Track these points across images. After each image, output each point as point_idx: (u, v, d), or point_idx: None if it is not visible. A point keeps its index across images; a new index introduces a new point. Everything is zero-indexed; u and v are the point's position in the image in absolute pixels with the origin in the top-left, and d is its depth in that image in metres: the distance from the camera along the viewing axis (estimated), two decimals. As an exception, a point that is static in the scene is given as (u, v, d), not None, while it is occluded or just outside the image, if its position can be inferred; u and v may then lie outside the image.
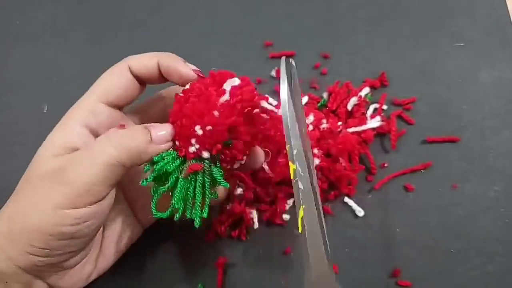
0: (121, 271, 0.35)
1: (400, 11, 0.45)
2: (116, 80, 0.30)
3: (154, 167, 0.29)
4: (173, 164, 0.29)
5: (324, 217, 0.27)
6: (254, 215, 0.37)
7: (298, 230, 0.26)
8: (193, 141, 0.28)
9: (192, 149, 0.28)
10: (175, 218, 0.29)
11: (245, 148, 0.29)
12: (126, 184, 0.33)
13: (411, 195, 0.39)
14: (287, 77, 0.28)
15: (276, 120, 0.36)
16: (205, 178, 0.29)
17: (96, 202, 0.27)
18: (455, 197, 0.38)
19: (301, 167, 0.26)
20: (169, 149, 0.29)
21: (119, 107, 0.31)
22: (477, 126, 0.40)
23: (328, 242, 0.27)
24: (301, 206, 0.26)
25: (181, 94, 0.29)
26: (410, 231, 0.38)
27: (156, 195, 0.29)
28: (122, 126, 0.28)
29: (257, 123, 0.29)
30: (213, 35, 0.45)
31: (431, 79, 0.42)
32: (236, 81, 0.28)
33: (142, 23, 0.45)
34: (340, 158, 0.37)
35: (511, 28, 0.43)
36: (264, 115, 0.39)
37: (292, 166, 0.26)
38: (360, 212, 0.38)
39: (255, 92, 0.28)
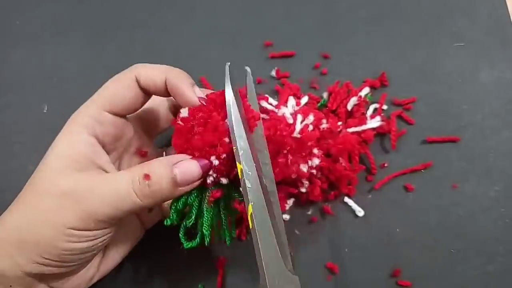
0: (121, 271, 0.35)
1: (400, 11, 0.45)
2: (122, 91, 0.30)
3: (173, 206, 0.29)
4: (193, 196, 0.29)
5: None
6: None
7: (249, 226, 0.27)
8: (211, 171, 0.29)
9: (210, 179, 0.29)
10: (206, 244, 0.30)
11: None
12: None
13: (411, 195, 0.39)
14: (231, 82, 0.29)
15: (276, 120, 0.36)
16: (226, 200, 0.30)
17: (111, 227, 0.28)
18: (455, 197, 0.38)
19: (248, 166, 0.27)
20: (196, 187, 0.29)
21: (123, 116, 0.31)
22: (477, 126, 0.40)
23: (286, 240, 0.29)
24: (250, 204, 0.27)
25: (181, 123, 0.29)
26: (410, 231, 0.38)
27: (183, 229, 0.30)
28: (144, 154, 0.28)
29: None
30: (213, 35, 0.45)
31: (431, 79, 0.42)
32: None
33: (142, 23, 0.45)
34: (340, 158, 0.37)
35: (511, 28, 0.43)
36: (264, 115, 0.39)
37: (239, 166, 0.27)
38: (360, 212, 0.38)
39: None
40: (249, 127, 0.29)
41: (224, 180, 0.29)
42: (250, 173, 0.27)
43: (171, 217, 0.29)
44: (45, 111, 0.42)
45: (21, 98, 0.43)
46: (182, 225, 0.30)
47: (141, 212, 0.34)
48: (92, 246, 0.28)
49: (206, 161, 0.28)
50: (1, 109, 0.42)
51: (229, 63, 0.29)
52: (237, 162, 0.28)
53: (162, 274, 0.37)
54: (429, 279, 0.36)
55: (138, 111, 0.33)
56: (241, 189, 0.28)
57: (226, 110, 0.29)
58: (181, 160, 0.28)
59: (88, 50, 0.44)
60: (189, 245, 0.30)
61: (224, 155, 0.28)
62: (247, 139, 0.28)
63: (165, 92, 0.30)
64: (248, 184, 0.27)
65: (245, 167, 0.27)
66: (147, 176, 0.27)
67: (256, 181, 0.27)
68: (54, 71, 0.43)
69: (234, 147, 0.28)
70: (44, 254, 0.26)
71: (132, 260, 0.35)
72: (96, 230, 0.27)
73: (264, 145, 0.31)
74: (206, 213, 0.29)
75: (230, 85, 0.28)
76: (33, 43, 0.45)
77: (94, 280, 0.32)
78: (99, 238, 0.28)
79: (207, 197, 0.29)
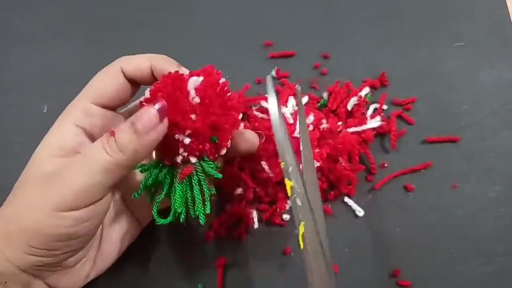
0: (120, 271, 0.35)
1: (400, 11, 0.45)
2: (108, 83, 0.30)
3: (143, 182, 0.29)
4: (163, 173, 0.29)
5: (325, 221, 0.28)
6: (254, 215, 0.37)
7: (300, 246, 0.26)
8: (180, 150, 0.28)
9: (179, 159, 0.28)
10: (181, 221, 0.29)
11: (228, 135, 0.29)
12: (122, 183, 0.33)
13: (411, 195, 0.39)
14: (276, 93, 0.28)
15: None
16: (199, 176, 0.29)
17: (94, 203, 0.27)
18: (455, 197, 0.38)
19: (297, 183, 0.26)
20: (161, 136, 0.28)
21: (112, 108, 0.31)
22: (477, 126, 0.40)
23: (332, 258, 0.28)
24: (301, 223, 0.26)
25: (145, 104, 0.28)
26: (410, 231, 0.38)
27: (155, 204, 0.30)
28: (112, 133, 0.27)
29: (229, 104, 0.29)
30: (213, 35, 0.45)
31: (431, 79, 0.42)
32: (198, 80, 0.28)
33: (142, 23, 0.45)
34: (340, 158, 0.37)
35: (511, 28, 0.43)
36: (264, 115, 0.39)
37: (288, 183, 0.26)
38: (360, 212, 0.38)
39: (219, 78, 0.29)
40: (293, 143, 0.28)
41: (193, 159, 0.28)
42: (299, 190, 0.26)
43: (138, 192, 0.29)
44: (45, 111, 0.42)
45: (21, 98, 0.43)
46: (154, 202, 0.30)
47: (135, 210, 0.34)
48: (79, 231, 0.27)
49: (162, 103, 0.27)
50: (1, 109, 0.42)
51: (271, 74, 0.29)
52: (285, 179, 0.27)
53: (162, 274, 0.37)
54: (429, 279, 0.36)
55: (130, 106, 0.33)
56: (291, 206, 0.27)
57: (188, 90, 0.27)
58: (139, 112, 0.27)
59: (88, 50, 0.44)
60: (162, 221, 0.29)
61: (189, 131, 0.27)
62: (294, 155, 0.27)
63: (153, 80, 0.31)
64: (298, 203, 0.26)
65: (295, 184, 0.26)
66: (111, 132, 0.27)
67: (305, 199, 0.26)
68: (54, 71, 0.44)
69: (282, 163, 0.27)
70: (30, 241, 0.26)
71: (131, 260, 0.35)
72: (78, 209, 0.26)
73: (309, 158, 0.30)
74: (178, 190, 0.29)
75: (274, 97, 0.27)
76: (33, 43, 0.45)
77: (91, 277, 0.32)
78: (83, 223, 0.27)
79: (178, 174, 0.29)
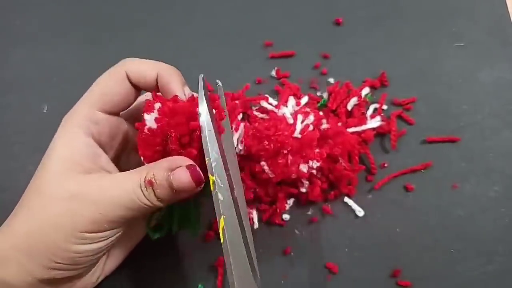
0: (121, 271, 0.35)
1: (400, 11, 0.45)
2: (113, 88, 0.30)
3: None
4: None
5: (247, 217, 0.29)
6: (254, 215, 0.37)
7: (220, 240, 0.27)
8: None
9: None
10: (172, 233, 0.32)
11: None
12: None
13: (411, 195, 0.39)
14: (205, 95, 0.28)
15: (276, 120, 0.36)
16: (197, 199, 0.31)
17: (121, 227, 0.29)
18: (455, 197, 0.38)
19: (220, 178, 0.27)
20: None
21: (116, 113, 0.31)
22: (477, 126, 0.40)
23: (255, 253, 0.29)
24: (222, 217, 0.26)
25: (147, 133, 0.29)
26: (410, 231, 0.38)
27: (149, 222, 0.32)
28: (150, 183, 0.27)
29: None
30: (213, 35, 0.45)
31: (431, 79, 0.42)
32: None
33: (142, 23, 0.45)
34: (340, 158, 0.37)
35: (511, 28, 0.43)
36: (264, 115, 0.39)
37: (211, 178, 0.27)
38: (360, 212, 0.38)
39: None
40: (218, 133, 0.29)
41: None
42: (222, 185, 0.27)
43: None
44: (45, 111, 0.42)
45: (21, 98, 0.43)
46: (150, 219, 0.32)
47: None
48: (104, 246, 0.28)
49: (198, 174, 0.28)
50: (1, 109, 0.42)
51: (203, 75, 0.29)
52: (209, 174, 0.27)
53: (162, 274, 0.37)
54: (429, 279, 0.36)
55: (132, 111, 0.33)
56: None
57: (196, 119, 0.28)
58: (179, 166, 0.28)
59: (88, 50, 0.44)
60: (156, 236, 0.32)
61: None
62: (220, 151, 0.28)
63: (155, 88, 0.30)
64: (220, 197, 0.27)
65: (217, 179, 0.27)
66: (150, 183, 0.27)
67: (228, 194, 0.27)
68: (54, 71, 0.43)
69: (206, 159, 0.27)
70: (56, 258, 0.26)
71: (132, 260, 0.35)
72: (108, 231, 0.27)
73: (234, 157, 0.31)
74: (176, 212, 0.31)
75: (204, 99, 0.28)
76: (33, 43, 0.45)
77: (100, 280, 0.32)
78: (110, 238, 0.28)
79: None
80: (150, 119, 0.28)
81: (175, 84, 0.29)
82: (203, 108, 0.28)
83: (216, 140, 0.28)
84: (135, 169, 0.28)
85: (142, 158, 0.29)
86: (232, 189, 0.28)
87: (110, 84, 0.30)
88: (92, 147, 0.29)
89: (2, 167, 0.40)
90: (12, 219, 0.28)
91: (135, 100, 0.32)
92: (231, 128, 0.32)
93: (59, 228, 0.26)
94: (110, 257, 0.33)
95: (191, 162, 0.28)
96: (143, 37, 0.45)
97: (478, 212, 0.38)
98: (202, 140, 0.28)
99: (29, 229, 0.27)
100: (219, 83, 0.32)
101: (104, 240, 0.28)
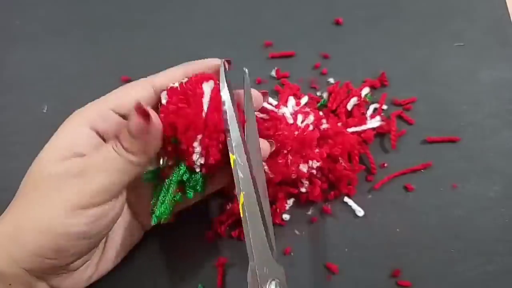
0: (121, 271, 0.35)
1: (400, 11, 0.45)
2: (135, 94, 0.30)
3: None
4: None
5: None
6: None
7: (240, 215, 0.28)
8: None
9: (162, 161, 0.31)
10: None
11: (190, 138, 0.29)
12: (128, 187, 0.33)
13: (411, 195, 0.39)
14: (226, 78, 0.30)
15: (276, 120, 0.36)
16: (170, 181, 0.31)
17: (110, 200, 0.28)
18: (455, 197, 0.38)
19: (240, 157, 0.28)
20: (156, 135, 0.29)
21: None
22: (477, 126, 0.40)
23: (272, 228, 0.30)
24: (241, 193, 0.28)
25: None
26: (410, 231, 0.38)
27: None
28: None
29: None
30: (213, 35, 0.45)
31: (431, 79, 0.42)
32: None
33: (142, 23, 0.45)
34: (340, 158, 0.37)
35: (511, 28, 0.43)
36: (264, 115, 0.39)
37: (232, 157, 0.28)
38: (360, 212, 0.38)
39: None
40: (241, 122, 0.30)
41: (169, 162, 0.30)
42: (242, 163, 0.28)
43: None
44: (45, 111, 0.42)
45: (20, 98, 0.43)
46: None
47: (139, 214, 0.34)
48: (91, 231, 0.27)
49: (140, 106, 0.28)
50: (1, 109, 0.42)
51: (223, 60, 0.30)
52: (230, 153, 0.29)
53: (162, 274, 0.37)
54: (429, 279, 0.36)
55: None
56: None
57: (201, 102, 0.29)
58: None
59: (88, 50, 0.44)
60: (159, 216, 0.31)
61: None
62: (240, 132, 0.29)
63: None
64: (240, 174, 0.28)
65: (237, 157, 0.28)
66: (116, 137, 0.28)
67: (247, 172, 0.28)
68: (54, 71, 0.43)
69: (228, 138, 0.29)
70: (42, 242, 0.26)
71: (131, 260, 0.35)
72: (93, 207, 0.27)
73: (255, 138, 0.32)
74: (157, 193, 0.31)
75: (225, 82, 0.30)
76: (33, 43, 0.45)
77: (93, 280, 0.32)
78: (98, 221, 0.27)
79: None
80: (163, 97, 0.30)
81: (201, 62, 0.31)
82: (224, 91, 0.29)
83: (236, 121, 0.29)
84: None
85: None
86: (251, 167, 0.29)
87: (131, 88, 0.30)
88: (93, 138, 0.29)
89: (2, 167, 0.40)
90: (6, 211, 0.28)
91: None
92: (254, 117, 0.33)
93: (46, 206, 0.26)
94: (104, 257, 0.32)
95: None
96: (143, 37, 0.45)
97: (478, 212, 0.38)
98: (224, 120, 0.29)
99: (16, 216, 0.27)
100: (246, 70, 0.33)
101: (93, 221, 0.27)
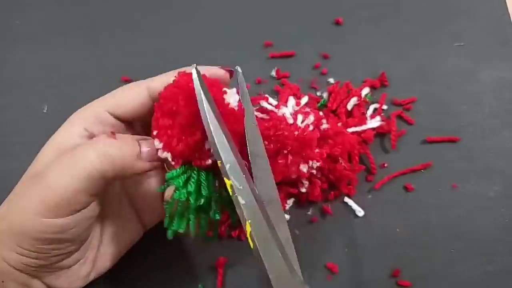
0: (121, 271, 0.35)
1: (400, 11, 0.45)
2: (130, 96, 0.30)
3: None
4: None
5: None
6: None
7: (251, 246, 0.24)
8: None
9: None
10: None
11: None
12: (130, 186, 0.33)
13: (411, 195, 0.39)
14: (203, 90, 0.26)
15: (276, 120, 0.36)
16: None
17: (78, 212, 0.26)
18: (455, 197, 0.38)
19: (238, 181, 0.25)
20: (153, 168, 0.28)
21: (127, 121, 0.31)
22: (477, 126, 0.40)
23: (294, 252, 0.27)
24: (247, 222, 0.24)
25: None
26: (410, 231, 0.38)
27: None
28: (112, 135, 0.27)
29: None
30: (213, 35, 0.45)
31: (431, 79, 0.42)
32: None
33: (142, 23, 0.45)
34: (340, 158, 0.37)
35: (511, 28, 0.43)
36: (264, 115, 0.39)
37: (228, 182, 0.25)
38: (360, 212, 0.38)
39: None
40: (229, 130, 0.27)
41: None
42: (241, 187, 0.25)
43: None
44: (45, 111, 0.42)
45: (20, 98, 0.43)
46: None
47: (141, 212, 0.34)
48: (65, 237, 0.27)
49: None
50: (1, 109, 0.42)
51: (195, 64, 0.27)
52: (224, 178, 0.25)
53: (162, 274, 0.37)
54: (429, 279, 0.36)
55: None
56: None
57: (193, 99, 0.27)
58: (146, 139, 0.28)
59: (88, 50, 0.44)
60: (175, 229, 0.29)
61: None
62: (232, 149, 0.25)
63: None
64: (241, 201, 0.24)
65: (234, 182, 0.25)
66: (112, 134, 0.26)
67: (249, 195, 0.25)
68: (54, 71, 0.43)
69: (219, 162, 0.25)
70: (19, 243, 0.26)
71: (131, 260, 0.35)
72: (62, 216, 0.26)
73: (260, 142, 0.29)
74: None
75: (202, 94, 0.26)
76: (33, 43, 0.45)
77: (91, 277, 0.32)
78: (69, 230, 0.27)
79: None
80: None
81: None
82: (206, 107, 0.26)
83: (225, 138, 0.25)
84: None
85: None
86: (252, 188, 0.25)
87: (129, 92, 0.30)
88: (83, 139, 0.28)
89: (2, 167, 0.40)
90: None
91: (150, 115, 0.30)
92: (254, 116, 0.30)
93: (18, 210, 0.26)
94: (101, 254, 0.32)
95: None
96: (143, 37, 0.45)
97: (478, 212, 0.38)
98: (210, 143, 0.26)
99: (2, 212, 0.27)
100: (239, 69, 0.31)
101: (63, 231, 0.26)
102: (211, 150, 0.27)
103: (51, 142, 0.29)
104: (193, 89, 0.26)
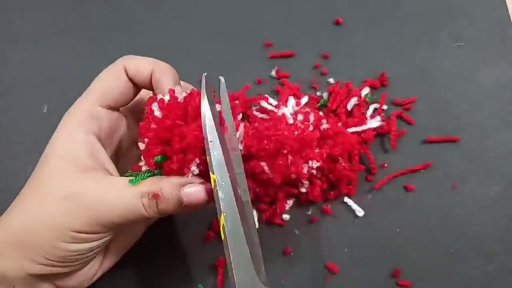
0: (121, 271, 0.35)
1: (400, 11, 0.45)
2: (112, 82, 0.30)
3: None
4: None
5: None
6: (254, 215, 0.37)
7: (221, 238, 0.26)
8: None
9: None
10: None
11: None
12: None
13: (411, 195, 0.39)
14: (207, 92, 0.28)
15: (276, 120, 0.36)
16: None
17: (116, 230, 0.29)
18: (455, 197, 0.38)
19: (221, 176, 0.27)
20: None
21: (116, 108, 0.31)
22: (477, 126, 0.40)
23: (260, 250, 0.28)
24: (222, 214, 0.26)
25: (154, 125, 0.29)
26: (410, 231, 0.38)
27: None
28: (157, 196, 0.27)
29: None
30: (213, 35, 0.45)
31: (431, 79, 0.42)
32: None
33: (142, 23, 0.45)
34: (340, 158, 0.37)
35: (511, 28, 0.43)
36: (264, 115, 0.39)
37: (212, 176, 0.27)
38: (360, 212, 0.38)
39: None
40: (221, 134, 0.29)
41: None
42: (223, 183, 0.27)
43: None
44: (45, 111, 0.42)
45: (21, 99, 0.43)
46: None
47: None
48: (95, 246, 0.28)
49: (208, 186, 0.28)
50: (1, 110, 0.42)
51: (205, 74, 0.29)
52: (210, 173, 0.27)
53: (162, 274, 0.37)
54: (429, 279, 0.36)
55: (132, 106, 0.33)
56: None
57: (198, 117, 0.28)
58: (190, 183, 0.28)
59: (88, 50, 0.44)
60: None
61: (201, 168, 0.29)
62: (222, 149, 0.27)
63: (151, 85, 0.30)
64: (221, 195, 0.26)
65: (218, 177, 0.27)
66: (156, 195, 0.27)
67: (229, 191, 0.27)
68: (54, 71, 0.43)
69: (208, 157, 0.27)
70: (48, 255, 0.27)
71: (132, 260, 0.35)
72: (101, 233, 0.28)
73: (238, 157, 0.31)
74: None
75: (205, 96, 0.28)
76: (33, 43, 0.45)
77: (97, 277, 0.32)
78: (102, 239, 0.28)
79: None
80: (155, 108, 0.29)
81: (167, 82, 0.30)
82: (204, 105, 0.28)
83: (218, 138, 0.28)
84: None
85: (142, 146, 0.29)
86: (234, 187, 0.27)
87: (110, 79, 0.30)
88: (91, 144, 0.29)
89: (2, 167, 0.40)
90: (8, 214, 0.28)
91: (134, 97, 0.32)
92: (233, 126, 0.32)
93: (52, 227, 0.26)
94: (108, 254, 0.33)
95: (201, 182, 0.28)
96: (143, 37, 0.45)
97: (478, 212, 0.38)
98: (204, 138, 0.28)
99: (23, 225, 0.27)
100: (222, 79, 0.32)
101: (96, 241, 0.28)
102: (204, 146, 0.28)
103: (58, 153, 0.28)
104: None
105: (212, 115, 0.28)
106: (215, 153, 0.27)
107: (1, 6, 0.46)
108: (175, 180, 0.28)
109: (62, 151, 0.28)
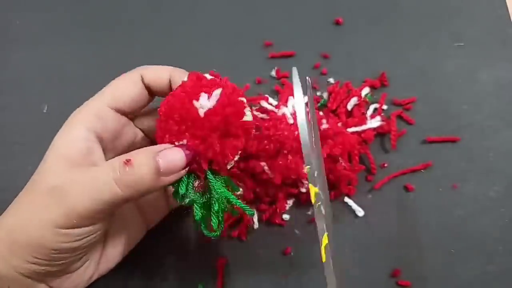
0: (121, 271, 0.35)
1: (400, 11, 0.45)
2: (126, 87, 0.30)
3: (185, 201, 0.28)
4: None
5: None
6: (254, 215, 0.37)
7: (322, 259, 0.24)
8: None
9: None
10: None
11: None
12: None
13: (411, 195, 0.39)
14: (303, 89, 0.25)
15: (276, 120, 0.36)
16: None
17: (97, 224, 0.28)
18: (455, 197, 0.38)
19: (322, 190, 0.24)
20: (182, 177, 0.27)
21: (125, 113, 0.31)
22: (477, 126, 0.40)
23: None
24: (325, 233, 0.24)
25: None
26: (410, 231, 0.38)
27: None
28: (128, 162, 0.26)
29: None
30: (213, 35, 0.45)
31: (431, 79, 0.42)
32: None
33: (142, 23, 0.45)
34: (340, 158, 0.37)
35: (511, 28, 0.43)
36: (264, 115, 0.39)
37: (313, 189, 0.24)
38: (360, 212, 0.38)
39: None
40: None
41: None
42: (323, 197, 0.24)
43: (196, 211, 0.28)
44: (45, 111, 0.42)
45: (21, 99, 0.43)
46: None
47: (144, 210, 0.34)
48: (81, 244, 0.27)
49: (190, 150, 0.26)
50: (1, 109, 0.42)
51: (295, 67, 0.26)
52: (310, 185, 0.24)
53: (162, 274, 0.37)
54: (429, 279, 0.36)
55: (144, 111, 0.33)
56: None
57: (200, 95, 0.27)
58: (165, 149, 0.26)
59: (88, 50, 0.44)
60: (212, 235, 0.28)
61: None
62: (320, 159, 0.24)
63: (168, 92, 0.30)
64: (323, 211, 0.24)
65: (320, 191, 0.24)
66: (128, 162, 0.25)
67: (328, 207, 0.24)
68: (54, 71, 0.43)
69: (307, 167, 0.24)
70: (34, 254, 0.26)
71: (132, 260, 0.35)
72: (81, 227, 0.27)
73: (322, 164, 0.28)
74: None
75: (300, 91, 0.25)
76: (33, 43, 0.45)
77: (94, 278, 0.32)
78: (86, 237, 0.27)
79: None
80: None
81: None
82: (300, 108, 0.25)
83: (315, 147, 0.25)
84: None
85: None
86: (327, 199, 0.25)
87: (124, 83, 0.30)
88: (88, 141, 0.28)
89: (2, 167, 0.40)
90: (4, 214, 0.28)
91: (146, 105, 0.32)
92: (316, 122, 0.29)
93: (35, 222, 0.26)
94: (105, 257, 0.32)
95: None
96: (143, 37, 0.45)
97: (478, 212, 0.38)
98: (302, 145, 0.25)
99: (12, 223, 0.27)
100: (309, 80, 0.29)
101: (80, 239, 0.27)
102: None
103: (56, 150, 0.28)
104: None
105: (308, 118, 0.25)
106: (315, 163, 0.24)
107: (1, 6, 0.46)
108: (148, 148, 0.26)
109: (58, 148, 0.28)
